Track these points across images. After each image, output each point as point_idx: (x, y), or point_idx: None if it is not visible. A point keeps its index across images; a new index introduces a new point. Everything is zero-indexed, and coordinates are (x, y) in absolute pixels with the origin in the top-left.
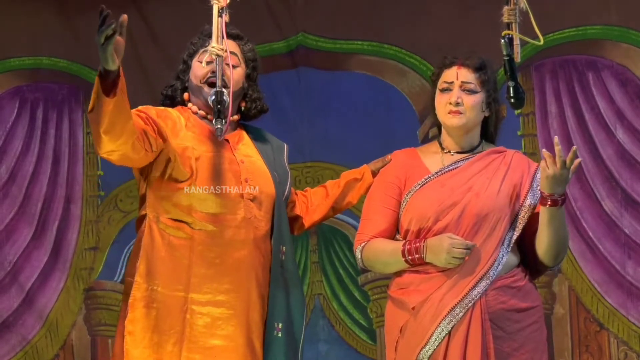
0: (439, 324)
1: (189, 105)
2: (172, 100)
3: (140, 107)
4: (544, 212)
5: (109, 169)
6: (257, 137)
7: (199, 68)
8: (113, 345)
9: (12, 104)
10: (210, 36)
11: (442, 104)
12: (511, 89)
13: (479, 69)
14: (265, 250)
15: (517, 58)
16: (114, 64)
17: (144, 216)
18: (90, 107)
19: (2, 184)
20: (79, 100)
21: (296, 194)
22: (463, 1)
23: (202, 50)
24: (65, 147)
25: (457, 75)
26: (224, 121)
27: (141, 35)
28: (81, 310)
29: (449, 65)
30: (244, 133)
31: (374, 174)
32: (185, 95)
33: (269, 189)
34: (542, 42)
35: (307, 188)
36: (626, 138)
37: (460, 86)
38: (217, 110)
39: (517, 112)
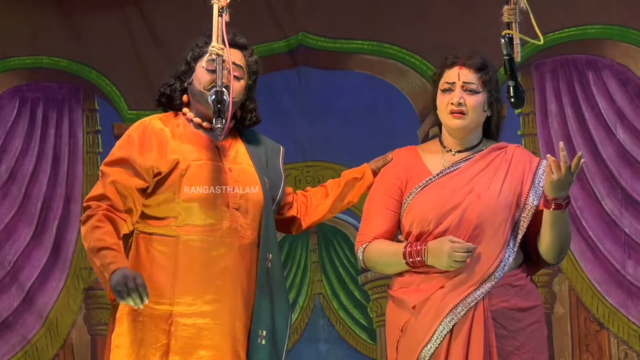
0: (441, 322)
1: (184, 110)
2: (170, 100)
3: (122, 156)
4: (547, 215)
5: None
6: (251, 140)
7: (204, 74)
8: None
9: (12, 103)
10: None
11: (444, 105)
12: (511, 88)
13: (480, 69)
14: (251, 259)
15: (517, 57)
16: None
17: (132, 231)
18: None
19: (2, 183)
20: (79, 99)
21: (295, 194)
22: (463, 1)
23: (210, 58)
24: (65, 147)
25: (459, 75)
26: (223, 121)
27: (141, 35)
28: (81, 310)
29: (451, 66)
30: (237, 138)
31: (375, 172)
32: (185, 97)
33: (256, 197)
34: (542, 42)
35: (308, 188)
36: (626, 137)
37: (462, 87)
38: (217, 110)
39: (517, 111)
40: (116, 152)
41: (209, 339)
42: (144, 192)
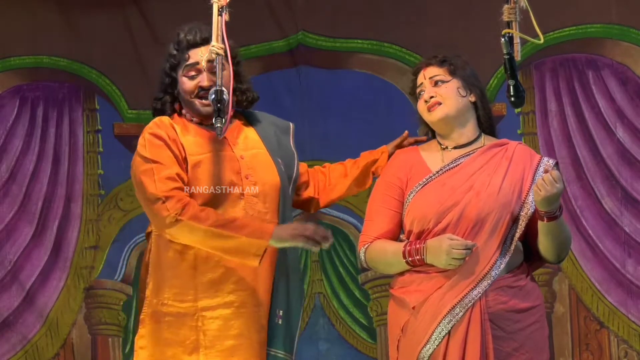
0: (439, 323)
1: (184, 112)
2: (163, 113)
3: (163, 152)
4: (541, 225)
5: (110, 168)
6: (259, 123)
7: (186, 82)
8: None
9: (13, 103)
10: (188, 47)
11: (422, 105)
12: (511, 87)
13: (443, 61)
14: None
15: (517, 56)
16: None
17: (150, 233)
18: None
19: (2, 183)
20: (79, 99)
21: (310, 172)
22: (463, 0)
23: (186, 64)
24: (65, 146)
25: (425, 75)
26: (223, 120)
27: (141, 35)
28: (81, 309)
29: (417, 72)
30: (245, 123)
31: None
32: (177, 105)
33: (273, 180)
34: (542, 41)
35: (326, 164)
36: (626, 137)
37: (431, 83)
38: (217, 109)
39: (517, 110)
40: (154, 151)
41: (235, 328)
42: None
